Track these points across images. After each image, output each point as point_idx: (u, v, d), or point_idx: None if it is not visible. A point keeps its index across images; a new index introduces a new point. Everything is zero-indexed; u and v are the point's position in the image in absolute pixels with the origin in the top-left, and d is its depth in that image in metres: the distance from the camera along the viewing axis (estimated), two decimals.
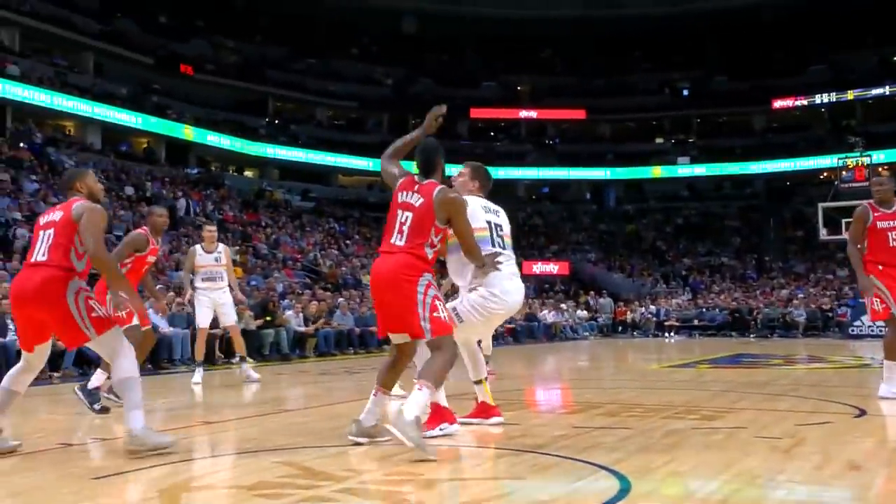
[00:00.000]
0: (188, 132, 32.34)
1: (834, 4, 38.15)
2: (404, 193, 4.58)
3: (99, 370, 6.10)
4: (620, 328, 26.92)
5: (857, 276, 6.73)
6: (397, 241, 4.49)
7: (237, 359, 12.97)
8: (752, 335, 23.66)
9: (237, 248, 22.25)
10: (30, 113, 26.49)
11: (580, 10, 41.92)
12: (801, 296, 26.65)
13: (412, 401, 4.19)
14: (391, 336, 4.65)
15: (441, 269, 5.63)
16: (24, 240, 14.88)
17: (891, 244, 6.49)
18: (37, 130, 25.93)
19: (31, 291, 4.35)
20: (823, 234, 23.60)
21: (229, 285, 9.21)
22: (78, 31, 30.36)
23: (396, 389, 7.76)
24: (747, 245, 37.40)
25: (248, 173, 37.05)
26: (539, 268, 34.23)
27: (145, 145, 31.90)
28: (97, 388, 6.15)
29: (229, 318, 9.27)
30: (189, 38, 36.16)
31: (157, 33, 34.94)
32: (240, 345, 9.46)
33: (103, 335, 4.37)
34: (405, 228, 4.48)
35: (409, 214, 4.48)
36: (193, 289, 9.13)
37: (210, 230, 9.46)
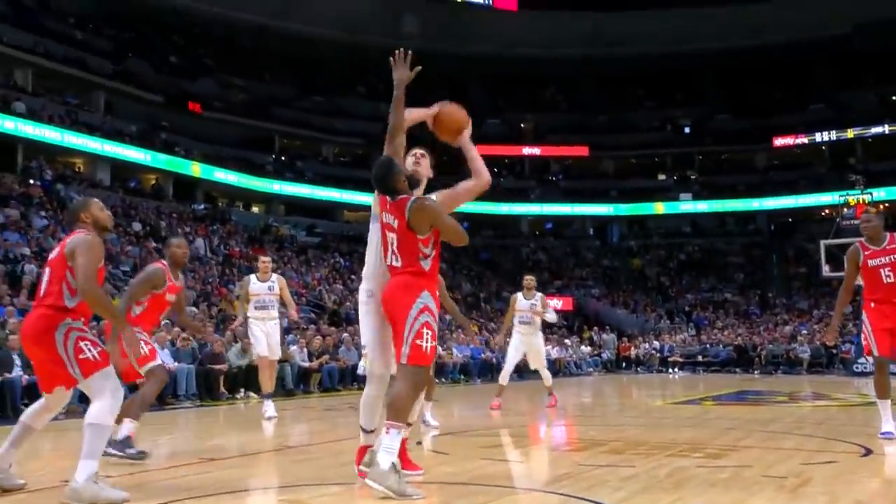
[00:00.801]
0: (196, 168, 32.56)
1: (833, 45, 38.64)
2: (384, 214, 4.44)
3: (127, 420, 5.86)
4: (624, 364, 26.77)
5: (834, 316, 6.95)
6: (394, 261, 4.40)
7: (244, 394, 12.98)
8: (756, 371, 23.50)
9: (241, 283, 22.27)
10: (40, 150, 26.70)
11: (582, 50, 42.45)
12: (804, 332, 26.52)
13: (384, 448, 4.06)
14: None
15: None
16: (33, 275, 14.91)
17: (884, 281, 6.44)
18: (47, 167, 26.12)
19: (28, 330, 4.36)
20: (826, 270, 23.54)
21: (282, 308, 9.44)
22: (90, 71, 30.75)
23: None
24: (751, 281, 37.32)
25: (254, 209, 37.22)
26: None
27: (154, 182, 32.10)
28: (128, 437, 5.81)
29: (273, 354, 9.26)
30: (198, 76, 36.60)
31: (168, 72, 35.39)
32: (271, 381, 9.47)
33: (90, 378, 4.25)
34: (395, 249, 4.37)
35: (394, 236, 4.37)
36: (246, 318, 9.32)
37: (264, 261, 9.65)
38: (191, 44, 38.53)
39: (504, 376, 10.43)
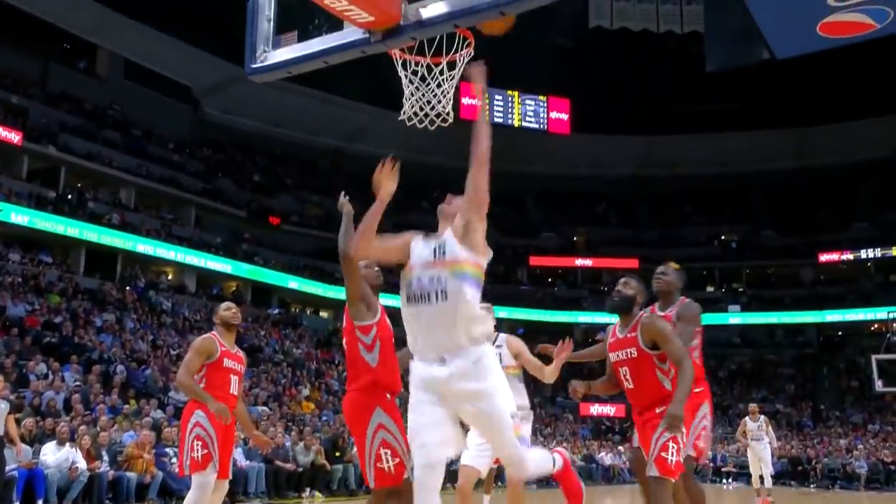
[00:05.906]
0: (272, 277, 33.47)
1: (876, 167, 38.36)
2: (616, 353, 4.50)
3: None
4: None
5: None
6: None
7: (309, 492, 12.84)
8: (812, 485, 22.21)
9: (311, 384, 22.44)
10: (137, 260, 27.95)
11: (633, 169, 43.07)
12: (860, 447, 25.09)
13: None
14: None
15: None
16: (123, 375, 15.36)
17: None
18: (141, 275, 27.24)
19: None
20: (879, 385, 22.49)
21: None
22: (183, 189, 32.41)
23: None
24: (802, 393, 35.82)
25: (322, 314, 37.81)
26: (596, 409, 33.25)
27: (234, 288, 33.05)
28: None
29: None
30: (278, 193, 38.17)
31: (251, 190, 37.04)
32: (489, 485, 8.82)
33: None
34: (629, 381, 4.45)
35: (628, 368, 4.48)
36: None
37: None
38: (272, 164, 40.40)
39: (755, 481, 13.10)
